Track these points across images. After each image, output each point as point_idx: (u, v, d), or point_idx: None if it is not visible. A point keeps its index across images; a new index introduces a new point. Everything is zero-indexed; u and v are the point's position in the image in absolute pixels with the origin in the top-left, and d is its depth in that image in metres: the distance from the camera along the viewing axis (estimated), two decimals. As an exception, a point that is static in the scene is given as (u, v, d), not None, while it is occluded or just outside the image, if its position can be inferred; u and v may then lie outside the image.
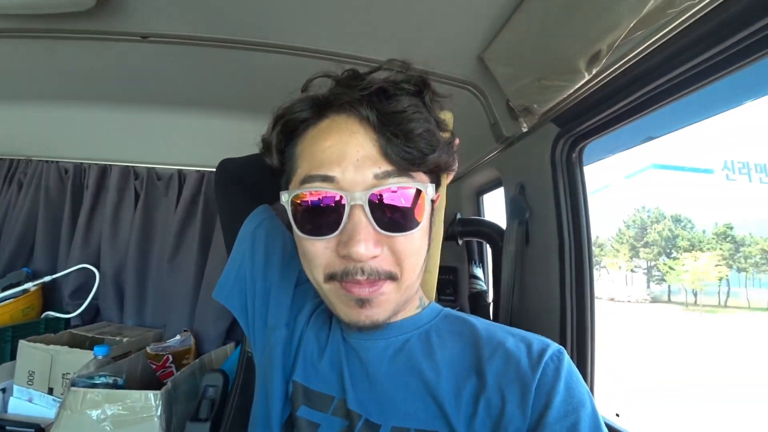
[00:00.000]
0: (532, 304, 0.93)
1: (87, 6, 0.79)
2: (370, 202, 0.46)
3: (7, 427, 1.03)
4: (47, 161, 1.66)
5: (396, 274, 0.49)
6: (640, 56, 0.61)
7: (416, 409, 0.50)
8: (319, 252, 0.49)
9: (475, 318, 0.59)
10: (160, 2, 0.82)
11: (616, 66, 0.65)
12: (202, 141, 1.48)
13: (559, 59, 0.71)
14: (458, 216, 1.34)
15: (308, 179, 0.49)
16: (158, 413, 0.94)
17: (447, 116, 0.62)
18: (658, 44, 0.58)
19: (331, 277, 0.50)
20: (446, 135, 0.52)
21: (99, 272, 1.57)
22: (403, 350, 0.55)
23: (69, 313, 1.53)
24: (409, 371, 0.53)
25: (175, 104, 1.31)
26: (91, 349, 1.10)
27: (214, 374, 1.06)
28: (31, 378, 1.16)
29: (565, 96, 0.75)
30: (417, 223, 0.49)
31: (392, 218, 0.47)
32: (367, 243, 0.46)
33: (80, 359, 1.10)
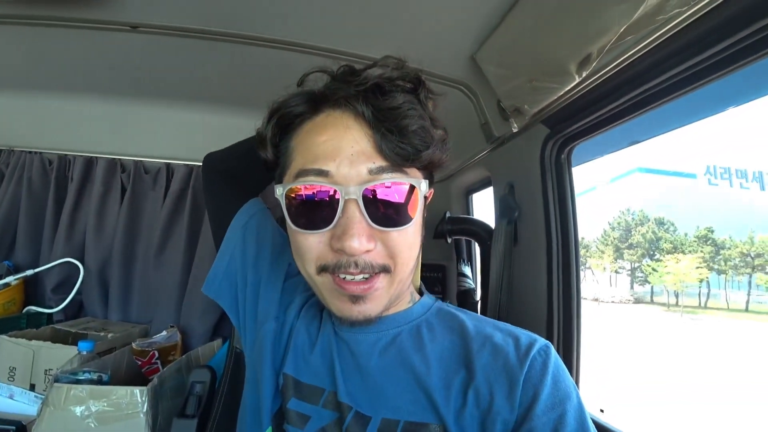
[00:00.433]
0: (520, 302, 0.94)
1: (76, -7, 0.77)
2: (364, 197, 0.47)
3: (-13, 424, 1.01)
4: (30, 152, 1.61)
5: (390, 266, 0.50)
6: (630, 60, 0.62)
7: (406, 401, 0.51)
8: (312, 245, 0.50)
9: (464, 313, 0.60)
10: (151, -8, 0.81)
11: (606, 69, 0.66)
12: (191, 134, 1.45)
13: (551, 61, 0.72)
14: (447, 214, 1.35)
15: (303, 173, 0.49)
16: (144, 410, 0.93)
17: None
18: (647, 49, 0.59)
19: (323, 269, 0.50)
20: (439, 132, 0.53)
21: (83, 266, 1.54)
22: (393, 344, 0.56)
23: (51, 307, 1.50)
24: (399, 364, 0.54)
25: (165, 96, 1.29)
26: (75, 344, 1.08)
27: (202, 370, 1.05)
28: (12, 374, 1.13)
29: (556, 98, 0.76)
30: (410, 219, 0.50)
31: (386, 213, 0.48)
32: (361, 237, 0.46)
33: (63, 355, 1.08)
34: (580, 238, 0.90)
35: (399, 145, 0.48)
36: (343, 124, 0.50)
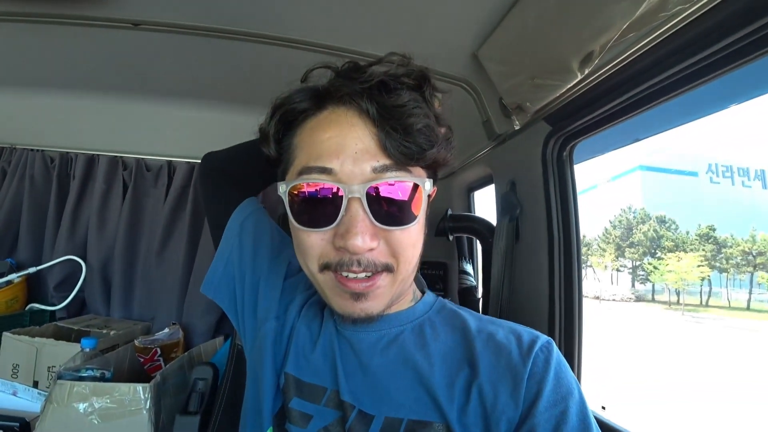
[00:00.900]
0: (522, 300, 0.94)
1: (77, -10, 0.78)
2: (368, 196, 0.47)
3: (-9, 421, 1.01)
4: (32, 150, 1.61)
5: (392, 265, 0.50)
6: (632, 58, 0.62)
7: (409, 400, 0.51)
8: (315, 243, 0.50)
9: (466, 311, 0.60)
10: (153, -11, 0.81)
11: (608, 67, 0.66)
12: (193, 132, 1.45)
13: (553, 59, 0.72)
14: (449, 212, 1.35)
15: (306, 170, 0.49)
16: (147, 406, 0.93)
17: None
18: (650, 46, 0.59)
19: (325, 267, 0.50)
20: (444, 130, 0.52)
21: (85, 264, 1.55)
22: (396, 342, 0.55)
23: (54, 305, 1.51)
24: (402, 362, 0.53)
25: (167, 94, 1.29)
26: (77, 342, 1.08)
27: (204, 367, 1.06)
28: (16, 371, 1.14)
29: (558, 95, 0.76)
30: (414, 218, 0.49)
31: (389, 212, 0.48)
32: (364, 236, 0.46)
33: (66, 352, 1.08)
34: (581, 236, 0.90)
35: (404, 144, 0.47)
36: (347, 122, 0.49)
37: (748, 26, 0.49)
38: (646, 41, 0.58)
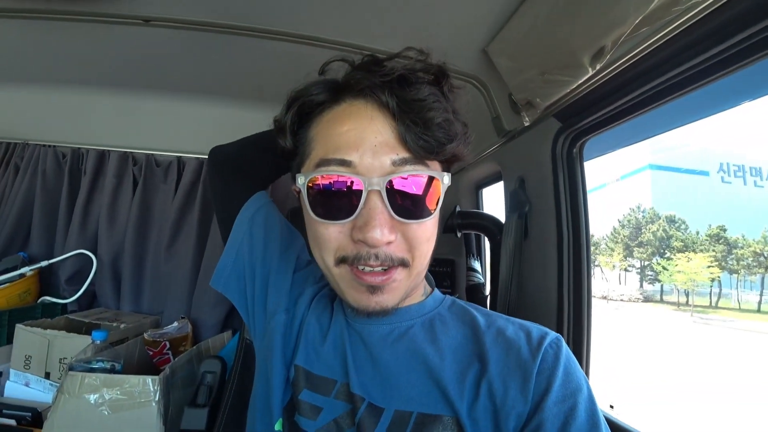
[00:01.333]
0: (530, 297, 0.94)
1: (89, -13, 0.78)
2: (387, 189, 0.47)
3: (4, 411, 1.03)
4: (44, 145, 1.64)
5: (408, 260, 0.50)
6: (644, 53, 0.61)
7: (419, 393, 0.51)
8: (332, 236, 0.50)
9: (475, 307, 0.60)
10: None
11: (620, 62, 0.65)
12: (202, 128, 1.46)
13: (563, 54, 0.71)
14: (457, 209, 1.34)
15: (324, 162, 0.49)
16: (156, 398, 0.94)
17: None
18: (662, 41, 0.58)
19: (342, 260, 0.50)
20: (461, 125, 0.52)
21: (96, 258, 1.57)
22: (406, 335, 0.56)
23: (66, 298, 1.53)
24: (412, 355, 0.53)
25: (177, 90, 1.29)
26: (88, 334, 1.10)
27: (213, 360, 1.07)
28: (28, 362, 1.16)
29: (568, 91, 0.75)
30: (431, 212, 0.50)
31: (408, 205, 0.48)
32: (383, 229, 0.46)
33: (77, 344, 1.10)
34: (590, 234, 0.89)
35: (423, 138, 0.47)
36: (366, 115, 0.49)
37: (763, 20, 0.48)
38: (659, 36, 0.57)
